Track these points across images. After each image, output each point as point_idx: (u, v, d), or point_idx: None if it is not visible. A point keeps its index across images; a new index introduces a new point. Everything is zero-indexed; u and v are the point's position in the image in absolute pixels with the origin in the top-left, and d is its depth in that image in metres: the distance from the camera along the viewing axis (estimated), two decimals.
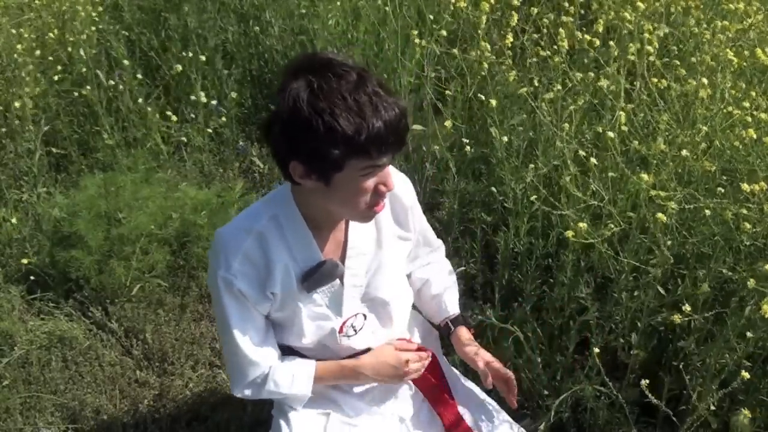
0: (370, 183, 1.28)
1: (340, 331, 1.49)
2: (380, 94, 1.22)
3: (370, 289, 1.49)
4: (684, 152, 1.84)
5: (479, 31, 2.41)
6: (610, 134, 1.89)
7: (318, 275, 1.41)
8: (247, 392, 1.49)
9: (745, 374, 1.61)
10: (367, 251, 1.47)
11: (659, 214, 1.71)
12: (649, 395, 1.66)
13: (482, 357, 1.59)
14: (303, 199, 1.38)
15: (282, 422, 1.54)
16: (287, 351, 1.56)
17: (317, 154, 1.22)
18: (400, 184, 1.49)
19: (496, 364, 1.59)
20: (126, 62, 3.27)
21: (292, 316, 1.45)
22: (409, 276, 1.67)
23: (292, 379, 1.49)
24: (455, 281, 1.72)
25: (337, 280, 1.44)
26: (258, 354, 1.45)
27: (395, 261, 1.54)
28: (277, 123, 1.24)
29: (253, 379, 1.47)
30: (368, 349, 1.56)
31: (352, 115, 1.19)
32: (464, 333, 1.64)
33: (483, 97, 2.39)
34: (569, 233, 1.80)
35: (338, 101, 1.19)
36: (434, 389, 1.61)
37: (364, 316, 1.51)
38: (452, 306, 1.67)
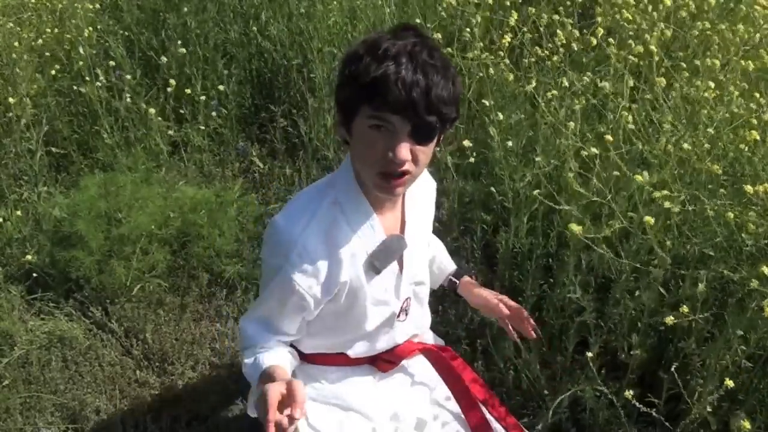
0: (379, 142, 1.25)
1: (398, 316, 1.50)
2: (415, 56, 1.21)
3: (418, 270, 1.51)
4: (686, 145, 1.84)
5: (475, 30, 2.41)
6: (609, 137, 1.89)
7: (385, 252, 1.40)
8: (247, 330, 1.45)
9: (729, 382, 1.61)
10: (419, 230, 1.48)
11: (647, 218, 1.71)
12: (638, 404, 1.66)
13: (492, 296, 1.67)
14: (358, 174, 1.37)
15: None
16: (323, 359, 1.55)
17: (340, 95, 1.28)
18: (427, 174, 1.56)
19: (507, 299, 1.66)
20: (125, 62, 3.27)
21: (354, 303, 1.42)
22: None
23: (256, 362, 1.40)
24: (440, 241, 1.79)
25: (396, 262, 1.44)
26: (272, 335, 1.43)
27: (426, 244, 1.58)
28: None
29: (256, 335, 1.44)
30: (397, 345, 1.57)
31: (372, 61, 1.21)
32: (469, 281, 1.73)
33: (486, 96, 2.39)
34: (573, 226, 1.80)
35: (372, 49, 1.22)
36: (460, 387, 1.61)
37: (409, 299, 1.53)
38: (449, 263, 1.77)
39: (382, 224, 1.40)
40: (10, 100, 3.07)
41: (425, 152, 1.28)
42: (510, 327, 1.69)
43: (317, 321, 1.46)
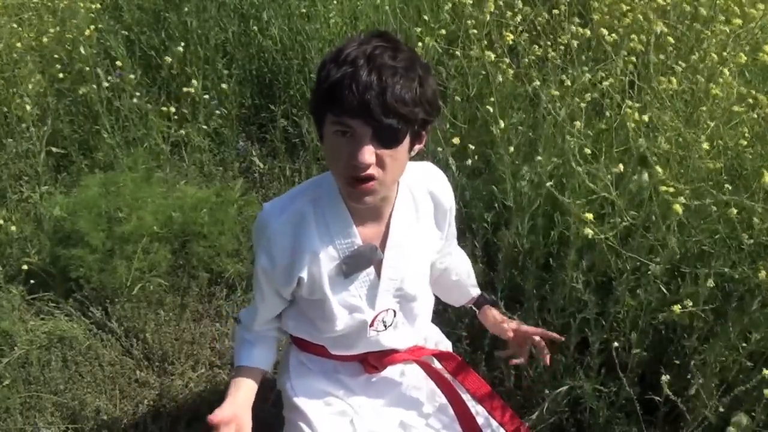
0: (344, 148, 1.25)
1: (371, 325, 1.49)
2: (373, 59, 1.20)
3: (403, 284, 1.48)
4: (689, 136, 1.83)
5: (477, 31, 2.41)
6: (632, 125, 1.87)
7: (356, 258, 1.41)
8: (241, 318, 1.60)
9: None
10: (406, 244, 1.46)
11: (675, 206, 1.69)
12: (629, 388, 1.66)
13: (510, 327, 1.67)
14: None
15: (302, 425, 1.54)
16: (307, 346, 1.57)
17: (311, 104, 1.30)
18: (439, 186, 1.52)
19: (524, 327, 1.66)
20: (125, 61, 3.26)
21: (321, 302, 1.45)
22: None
23: (240, 349, 1.57)
24: (470, 264, 1.77)
25: (373, 270, 1.44)
26: (261, 317, 1.54)
27: (426, 257, 1.54)
28: None
29: (249, 325, 1.57)
30: (393, 351, 1.56)
31: (332, 66, 1.22)
32: (491, 311, 1.74)
33: (487, 96, 2.38)
34: (584, 216, 1.80)
35: (335, 56, 1.23)
36: (455, 397, 1.61)
37: (394, 312, 1.51)
38: (473, 288, 1.76)
39: (361, 232, 1.41)
40: (17, 102, 3.07)
41: (393, 156, 1.26)
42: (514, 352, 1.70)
43: (294, 304, 1.53)
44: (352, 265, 1.41)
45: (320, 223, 1.39)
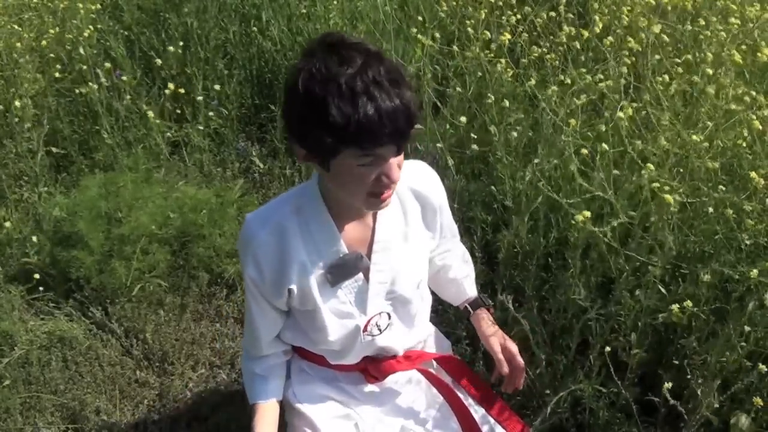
0: (369, 173, 1.24)
1: (365, 329, 1.48)
2: (380, 83, 1.18)
3: (395, 286, 1.47)
4: (695, 137, 1.83)
5: (474, 29, 2.41)
6: (621, 114, 1.86)
7: (341, 267, 1.40)
8: (244, 347, 1.59)
9: (763, 367, 1.64)
10: (394, 247, 1.45)
11: (667, 196, 1.69)
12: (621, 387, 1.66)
13: (499, 341, 1.62)
14: (325, 187, 1.37)
15: (307, 430, 1.54)
16: (307, 354, 1.57)
17: (312, 140, 1.23)
18: (425, 184, 1.50)
19: (512, 349, 1.61)
20: (125, 62, 3.27)
21: (313, 313, 1.44)
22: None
23: (252, 384, 1.55)
24: (471, 264, 1.75)
25: (361, 276, 1.43)
26: (264, 338, 1.52)
27: (419, 259, 1.53)
28: (283, 104, 1.28)
29: (253, 352, 1.55)
30: (392, 356, 1.55)
31: (343, 104, 1.16)
32: (484, 315, 1.68)
33: (486, 96, 2.38)
34: (579, 217, 1.80)
35: (333, 88, 1.17)
36: (455, 400, 1.61)
37: (389, 315, 1.50)
38: (470, 289, 1.72)
39: (345, 239, 1.40)
40: (16, 103, 3.07)
41: (401, 160, 1.29)
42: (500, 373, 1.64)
43: (291, 315, 1.51)
44: (337, 274, 1.41)
45: (304, 231, 1.38)
